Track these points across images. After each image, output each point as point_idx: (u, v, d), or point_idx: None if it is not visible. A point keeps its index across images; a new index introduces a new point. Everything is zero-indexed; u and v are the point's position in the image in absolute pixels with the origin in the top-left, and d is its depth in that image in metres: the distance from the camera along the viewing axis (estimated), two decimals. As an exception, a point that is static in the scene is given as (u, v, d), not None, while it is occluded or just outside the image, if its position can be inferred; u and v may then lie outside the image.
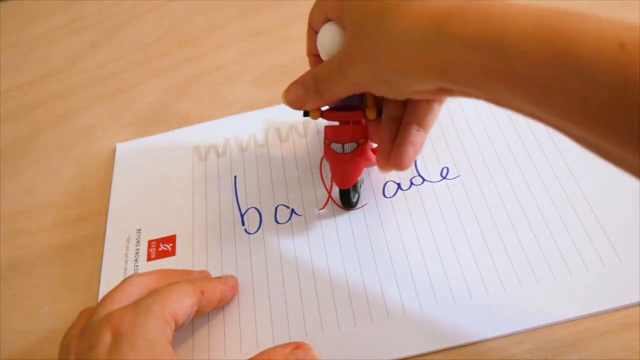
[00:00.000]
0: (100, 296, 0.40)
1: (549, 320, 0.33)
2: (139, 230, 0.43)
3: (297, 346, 0.34)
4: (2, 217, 0.47)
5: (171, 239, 0.42)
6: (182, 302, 0.32)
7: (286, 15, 0.57)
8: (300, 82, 0.36)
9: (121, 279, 0.40)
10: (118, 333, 0.29)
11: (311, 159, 0.44)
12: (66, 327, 0.39)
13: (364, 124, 0.38)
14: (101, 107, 0.54)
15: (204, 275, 0.38)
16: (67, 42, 0.62)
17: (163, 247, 0.42)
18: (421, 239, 0.38)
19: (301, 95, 0.36)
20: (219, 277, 0.38)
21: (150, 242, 0.42)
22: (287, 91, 0.37)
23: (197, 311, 0.34)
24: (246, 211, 0.42)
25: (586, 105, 0.22)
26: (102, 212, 0.45)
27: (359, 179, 0.39)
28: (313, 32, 0.37)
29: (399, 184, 0.41)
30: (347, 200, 0.40)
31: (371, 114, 0.37)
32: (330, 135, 0.38)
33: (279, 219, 0.41)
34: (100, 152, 0.50)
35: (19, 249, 0.45)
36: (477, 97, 0.28)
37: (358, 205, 0.40)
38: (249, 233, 0.41)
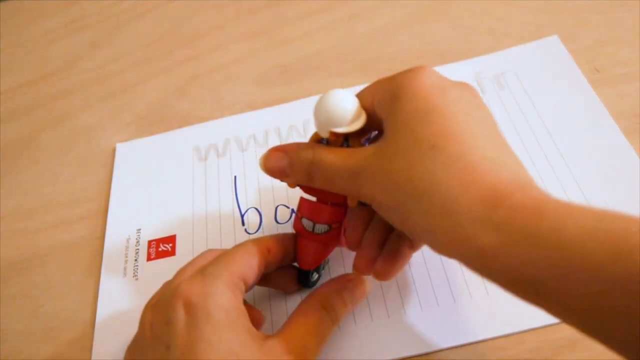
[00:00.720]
0: (100, 296, 0.40)
1: (550, 321, 0.33)
2: (138, 230, 0.43)
3: (348, 279, 0.34)
4: (2, 217, 0.47)
5: (171, 239, 0.42)
6: (249, 263, 0.31)
7: (286, 15, 0.57)
8: (287, 153, 0.32)
9: (121, 279, 0.40)
10: (190, 305, 0.28)
11: (311, 159, 0.44)
12: (66, 327, 0.39)
13: (343, 208, 0.33)
14: (101, 107, 0.54)
15: None
16: (67, 42, 0.62)
17: (163, 247, 0.42)
18: (421, 239, 0.38)
19: (284, 169, 0.32)
20: (282, 234, 0.35)
21: (150, 242, 0.42)
22: (268, 158, 0.33)
23: (265, 270, 0.33)
24: (246, 211, 0.42)
25: None
26: (102, 212, 0.45)
27: (324, 260, 0.36)
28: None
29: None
30: (305, 280, 0.36)
31: (352, 202, 0.31)
32: (303, 209, 0.33)
33: (279, 219, 0.41)
34: (100, 152, 0.50)
35: (19, 248, 0.45)
36: (506, 289, 0.24)
37: (317, 285, 0.37)
38: (249, 233, 0.41)
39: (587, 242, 0.21)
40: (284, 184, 0.43)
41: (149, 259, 0.41)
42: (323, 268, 0.37)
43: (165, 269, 0.40)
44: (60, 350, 0.38)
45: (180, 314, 0.28)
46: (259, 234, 0.41)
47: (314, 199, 0.33)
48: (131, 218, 0.44)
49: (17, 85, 0.58)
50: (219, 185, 0.45)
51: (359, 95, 0.31)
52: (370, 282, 0.37)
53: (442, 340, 0.33)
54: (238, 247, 0.32)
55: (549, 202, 0.23)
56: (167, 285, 0.32)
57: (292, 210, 0.41)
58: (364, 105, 0.30)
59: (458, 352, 0.33)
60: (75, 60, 0.59)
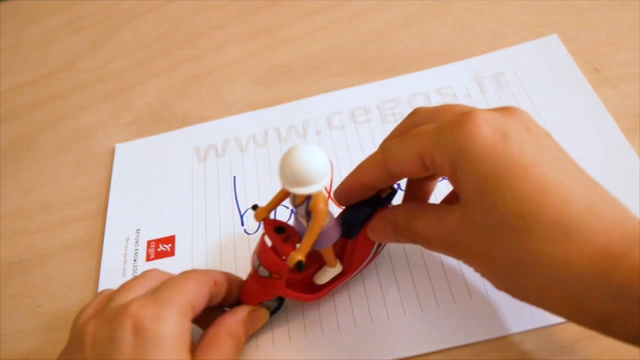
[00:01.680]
0: (100, 296, 0.40)
1: (549, 322, 0.33)
2: (137, 231, 0.43)
3: (251, 310, 0.34)
4: (2, 217, 0.47)
5: (170, 239, 0.42)
6: (199, 291, 0.31)
7: (286, 15, 0.57)
8: (389, 222, 0.31)
9: (120, 279, 0.40)
10: (139, 327, 0.28)
11: (311, 159, 0.44)
12: (66, 327, 0.39)
13: (285, 266, 0.31)
14: (101, 107, 0.54)
15: None
16: (67, 42, 0.62)
17: (162, 247, 0.42)
18: (421, 239, 0.38)
19: (391, 237, 0.32)
20: (226, 273, 0.35)
21: (149, 242, 0.42)
22: (374, 229, 0.32)
23: (209, 302, 0.33)
24: (245, 211, 0.42)
25: None
26: (101, 212, 0.45)
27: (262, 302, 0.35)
28: (384, 168, 0.30)
29: (398, 185, 0.41)
30: None
31: (291, 261, 0.29)
32: (258, 245, 0.33)
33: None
34: (99, 152, 0.50)
35: (18, 248, 0.45)
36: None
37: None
38: (249, 233, 0.41)
39: None
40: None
41: (148, 259, 0.41)
42: (272, 314, 0.36)
43: (164, 270, 0.40)
44: (59, 350, 0.38)
45: (128, 334, 0.28)
46: (258, 234, 0.41)
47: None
48: (130, 218, 0.44)
49: (17, 85, 0.59)
50: (218, 185, 0.45)
51: (392, 150, 0.29)
52: (370, 282, 0.37)
53: (442, 340, 0.33)
54: (188, 274, 0.32)
55: None
56: (106, 296, 0.32)
57: (292, 210, 0.41)
58: (408, 164, 0.28)
59: (458, 353, 0.33)
60: (75, 60, 0.60)
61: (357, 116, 0.47)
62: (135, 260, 0.41)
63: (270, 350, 0.35)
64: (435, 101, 0.46)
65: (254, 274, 0.33)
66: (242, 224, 0.42)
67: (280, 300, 0.36)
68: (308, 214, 0.30)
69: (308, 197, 0.29)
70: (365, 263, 0.35)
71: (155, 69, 0.56)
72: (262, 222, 0.32)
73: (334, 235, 0.32)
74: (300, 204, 0.30)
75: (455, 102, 0.45)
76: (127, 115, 0.53)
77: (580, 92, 0.43)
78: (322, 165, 0.28)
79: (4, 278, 0.43)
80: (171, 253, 0.41)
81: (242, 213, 0.42)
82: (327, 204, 0.29)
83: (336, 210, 0.33)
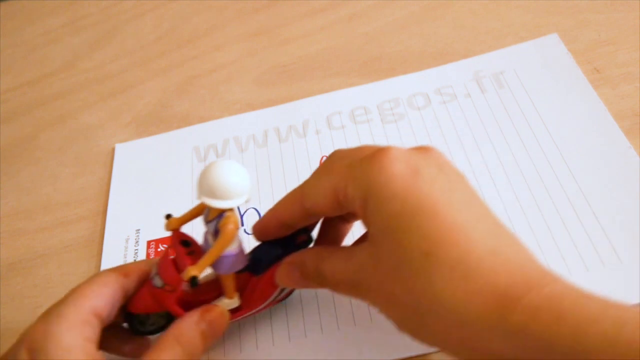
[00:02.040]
0: (99, 296, 0.40)
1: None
2: (137, 231, 0.43)
3: (205, 310, 0.31)
4: (1, 217, 0.47)
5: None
6: (101, 294, 0.30)
7: (286, 15, 0.57)
8: (296, 266, 0.31)
9: (120, 279, 0.40)
10: (32, 349, 0.27)
11: (310, 160, 0.44)
12: (65, 328, 0.39)
13: (179, 277, 0.30)
14: (101, 107, 0.54)
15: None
16: (67, 42, 0.62)
17: (162, 247, 0.42)
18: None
19: (299, 282, 0.31)
20: (146, 260, 0.33)
21: (149, 242, 0.42)
22: (281, 274, 0.31)
23: (125, 296, 0.31)
24: (245, 212, 0.42)
25: None
26: (101, 212, 0.45)
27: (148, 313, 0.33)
28: (300, 205, 0.30)
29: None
30: (130, 324, 0.33)
31: (186, 274, 0.28)
32: (160, 256, 0.32)
33: (278, 219, 0.41)
34: (99, 152, 0.50)
35: (18, 248, 0.45)
36: None
37: (147, 332, 0.34)
38: (248, 234, 0.41)
39: (608, 353, 0.20)
40: (283, 185, 0.43)
41: (148, 259, 0.41)
42: (157, 331, 0.34)
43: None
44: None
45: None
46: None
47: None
48: (130, 218, 0.44)
49: (17, 85, 0.59)
50: (218, 185, 0.45)
51: (309, 188, 0.29)
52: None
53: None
54: (91, 278, 0.31)
55: (564, 299, 0.22)
56: None
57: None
58: (324, 200, 0.28)
59: (457, 353, 0.33)
60: (75, 60, 0.60)
61: (357, 116, 0.47)
62: (135, 261, 0.41)
63: (269, 350, 0.35)
64: (435, 101, 0.46)
65: (149, 282, 0.32)
66: (242, 224, 0.42)
67: (169, 319, 0.33)
68: (216, 233, 0.29)
69: (220, 215, 0.29)
70: (264, 304, 0.34)
71: (155, 69, 0.56)
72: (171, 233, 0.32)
73: (238, 263, 0.31)
74: (211, 221, 0.30)
75: (455, 102, 0.45)
76: (127, 116, 0.53)
77: (580, 92, 0.43)
78: (241, 183, 0.28)
79: (4, 278, 0.43)
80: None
81: (241, 213, 0.42)
82: (237, 227, 0.29)
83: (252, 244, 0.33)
